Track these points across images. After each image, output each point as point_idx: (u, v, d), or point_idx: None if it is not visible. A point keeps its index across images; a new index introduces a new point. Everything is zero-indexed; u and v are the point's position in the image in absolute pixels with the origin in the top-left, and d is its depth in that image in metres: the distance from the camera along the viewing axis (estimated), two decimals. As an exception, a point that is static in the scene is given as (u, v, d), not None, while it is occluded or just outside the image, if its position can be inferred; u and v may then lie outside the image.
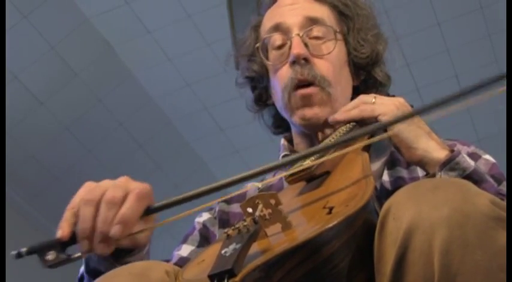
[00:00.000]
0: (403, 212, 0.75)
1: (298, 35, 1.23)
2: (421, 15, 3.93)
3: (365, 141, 0.95)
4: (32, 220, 4.34)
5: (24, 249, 0.88)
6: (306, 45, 1.23)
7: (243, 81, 1.36)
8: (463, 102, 0.86)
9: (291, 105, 1.22)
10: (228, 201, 1.26)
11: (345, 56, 1.27)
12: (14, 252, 0.88)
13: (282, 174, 1.10)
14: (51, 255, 0.88)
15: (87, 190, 0.90)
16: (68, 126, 4.22)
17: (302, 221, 0.82)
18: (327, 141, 1.12)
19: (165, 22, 3.87)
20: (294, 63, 1.21)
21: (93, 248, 0.89)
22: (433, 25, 3.98)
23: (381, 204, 0.81)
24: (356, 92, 1.26)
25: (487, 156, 1.19)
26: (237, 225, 0.76)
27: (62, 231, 0.89)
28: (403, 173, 1.20)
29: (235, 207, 1.25)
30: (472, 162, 1.06)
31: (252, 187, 1.25)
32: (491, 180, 1.06)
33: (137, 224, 0.90)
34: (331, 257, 0.75)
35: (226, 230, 0.77)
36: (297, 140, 1.30)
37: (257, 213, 0.78)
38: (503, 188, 1.08)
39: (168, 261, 1.18)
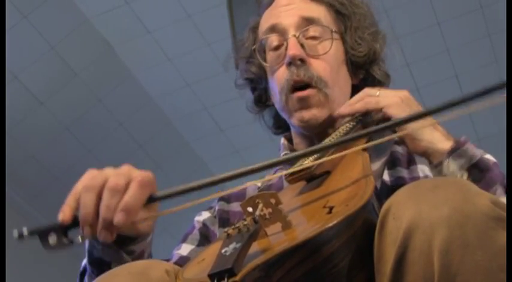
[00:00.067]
0: (403, 212, 0.75)
1: (294, 35, 1.22)
2: (421, 15, 3.93)
3: (369, 144, 0.94)
4: (32, 220, 4.34)
5: (25, 230, 0.88)
6: (302, 45, 1.22)
7: (242, 83, 1.36)
8: (463, 109, 0.86)
9: (288, 108, 1.22)
10: (228, 200, 1.26)
11: (342, 55, 1.27)
12: (16, 233, 0.87)
13: (282, 172, 1.10)
14: (52, 239, 0.88)
15: (90, 177, 0.90)
16: (68, 126, 4.22)
17: (302, 221, 0.82)
18: (328, 140, 1.12)
19: (165, 22, 3.87)
20: (290, 64, 1.21)
21: (96, 234, 0.89)
22: (433, 25, 3.98)
23: (381, 204, 0.81)
24: (355, 91, 1.26)
25: (488, 156, 1.19)
26: (237, 225, 0.76)
27: (64, 215, 0.89)
28: (404, 172, 1.20)
29: (235, 206, 1.25)
30: (479, 151, 1.06)
31: (251, 186, 1.25)
32: (497, 170, 1.06)
33: (140, 212, 0.90)
34: (331, 257, 0.75)
35: (226, 229, 0.77)
36: (296, 140, 1.30)
37: (257, 213, 0.78)
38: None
39: (168, 260, 1.18)
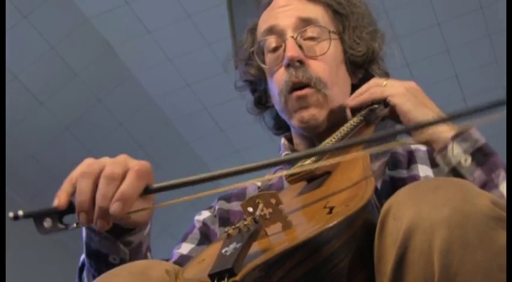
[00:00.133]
0: (403, 212, 0.75)
1: (292, 37, 1.22)
2: (421, 15, 3.93)
3: (369, 150, 0.94)
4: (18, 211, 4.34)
5: (21, 212, 0.87)
6: (300, 47, 1.22)
7: (242, 85, 1.36)
8: (463, 122, 0.87)
9: (288, 109, 1.22)
10: (228, 200, 1.27)
11: (341, 55, 1.27)
12: (11, 214, 0.87)
13: (283, 173, 1.10)
14: (47, 223, 0.88)
15: (87, 164, 0.90)
16: (68, 126, 4.22)
17: (302, 221, 0.82)
18: (331, 139, 1.12)
19: (165, 22, 3.87)
20: (288, 66, 1.21)
21: (91, 222, 0.89)
22: (433, 25, 3.98)
23: (381, 204, 0.81)
24: (355, 91, 1.26)
25: None
26: (237, 225, 0.76)
27: (59, 200, 0.89)
28: (404, 173, 1.20)
29: (235, 206, 1.25)
30: (483, 138, 1.07)
31: (251, 185, 1.25)
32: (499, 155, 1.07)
33: (136, 203, 0.90)
34: (331, 257, 0.75)
35: (226, 229, 0.77)
36: (297, 141, 1.30)
37: (257, 213, 0.78)
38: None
39: (168, 260, 1.18)
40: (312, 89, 1.20)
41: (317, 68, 1.22)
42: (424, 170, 1.18)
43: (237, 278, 0.66)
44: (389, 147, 0.99)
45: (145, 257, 1.01)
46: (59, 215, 0.89)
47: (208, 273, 0.68)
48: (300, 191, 0.98)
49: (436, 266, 0.72)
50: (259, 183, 1.27)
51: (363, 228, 0.78)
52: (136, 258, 0.98)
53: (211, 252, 0.82)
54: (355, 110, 1.24)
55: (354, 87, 1.28)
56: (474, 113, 0.75)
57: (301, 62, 1.21)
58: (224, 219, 1.25)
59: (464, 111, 0.78)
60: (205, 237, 1.23)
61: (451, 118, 0.85)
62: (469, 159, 1.05)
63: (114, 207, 0.86)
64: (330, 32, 1.25)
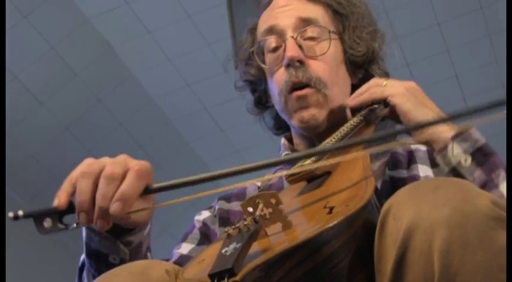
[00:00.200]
0: (403, 212, 0.75)
1: (292, 37, 1.22)
2: (421, 15, 3.93)
3: (369, 150, 0.94)
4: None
5: (21, 212, 0.87)
6: (300, 47, 1.22)
7: (242, 85, 1.36)
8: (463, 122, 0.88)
9: (288, 109, 1.22)
10: (228, 199, 1.27)
11: (341, 55, 1.27)
12: (11, 214, 0.87)
13: (283, 173, 1.10)
14: (47, 223, 0.88)
15: (87, 164, 0.90)
16: (68, 126, 4.22)
17: (302, 221, 0.82)
18: (331, 139, 1.12)
19: (165, 22, 3.88)
20: (288, 66, 1.21)
21: (91, 222, 0.89)
22: (433, 25, 3.99)
23: (381, 204, 0.81)
24: (355, 91, 1.27)
25: None
26: (237, 225, 0.76)
27: (59, 200, 0.89)
28: (404, 173, 1.20)
29: (235, 206, 1.25)
30: (483, 138, 1.07)
31: (251, 185, 1.25)
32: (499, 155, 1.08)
33: (136, 203, 0.90)
34: (331, 257, 0.75)
35: (226, 229, 0.77)
36: (296, 140, 1.30)
37: (257, 213, 0.78)
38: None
39: (167, 260, 1.18)
40: (312, 89, 1.20)
41: (317, 68, 1.21)
42: (424, 170, 1.18)
43: (237, 278, 0.66)
44: (389, 147, 0.99)
45: (145, 257, 1.01)
46: (59, 215, 0.89)
47: (208, 273, 0.68)
48: (300, 191, 0.98)
49: (436, 266, 0.72)
50: (259, 183, 1.27)
51: (363, 228, 0.78)
52: (136, 258, 0.98)
53: (211, 252, 0.82)
54: (355, 110, 1.24)
55: (354, 87, 1.28)
56: (474, 113, 0.75)
57: (301, 62, 1.21)
58: (224, 219, 1.25)
59: (464, 111, 0.78)
60: (205, 237, 1.23)
61: (451, 118, 0.85)
62: (469, 159, 1.05)
63: (114, 207, 0.86)
64: (330, 32, 1.25)
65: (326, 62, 1.23)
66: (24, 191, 4.39)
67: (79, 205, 0.88)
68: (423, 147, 1.22)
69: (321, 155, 0.98)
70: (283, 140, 1.33)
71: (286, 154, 1.28)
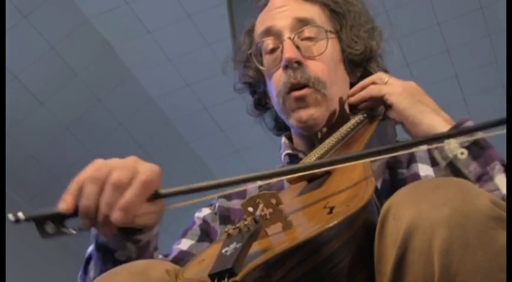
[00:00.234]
0: (403, 212, 0.75)
1: (290, 38, 1.22)
2: (421, 15, 3.93)
3: (372, 158, 0.93)
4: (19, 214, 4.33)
5: (22, 215, 0.86)
6: (297, 47, 1.22)
7: (241, 87, 1.37)
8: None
9: (286, 109, 1.23)
10: (228, 197, 1.27)
11: (339, 54, 1.27)
12: (12, 217, 0.85)
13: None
14: (49, 227, 0.87)
15: (95, 167, 0.89)
16: (68, 126, 4.22)
17: (303, 221, 0.82)
18: (334, 138, 1.12)
19: (165, 22, 3.87)
20: (286, 67, 1.21)
21: (95, 227, 0.89)
22: (433, 25, 3.98)
23: (381, 204, 0.81)
24: None
25: None
26: (237, 225, 0.76)
27: (66, 204, 0.88)
28: (404, 173, 1.20)
29: (236, 204, 1.25)
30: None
31: (252, 185, 1.25)
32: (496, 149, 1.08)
33: (144, 206, 0.90)
34: (331, 257, 0.75)
35: (227, 229, 0.77)
36: (296, 140, 1.30)
37: (258, 213, 0.78)
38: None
39: (167, 255, 1.19)
40: (311, 89, 1.20)
41: (315, 68, 1.22)
42: (424, 169, 1.18)
43: (237, 278, 0.66)
44: (391, 155, 0.99)
45: (152, 256, 1.01)
46: (61, 218, 0.88)
47: (209, 273, 0.68)
48: (300, 191, 0.98)
49: (436, 266, 0.72)
50: (260, 182, 1.27)
51: (363, 228, 0.79)
52: (143, 256, 0.99)
53: (211, 252, 0.82)
54: (354, 107, 1.24)
55: (353, 86, 1.29)
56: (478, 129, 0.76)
57: (299, 62, 1.21)
58: (224, 217, 1.25)
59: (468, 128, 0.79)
60: (206, 234, 1.23)
61: (463, 132, 0.86)
62: (466, 152, 1.06)
63: (115, 216, 0.86)
64: (326, 31, 1.25)
65: (324, 61, 1.23)
66: (24, 191, 4.39)
67: (83, 210, 0.88)
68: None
69: (325, 167, 0.97)
70: (283, 139, 1.33)
71: (287, 153, 1.28)
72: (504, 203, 0.75)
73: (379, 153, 0.89)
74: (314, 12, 1.26)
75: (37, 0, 3.60)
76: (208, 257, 0.82)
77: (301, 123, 1.21)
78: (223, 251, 0.70)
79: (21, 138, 4.13)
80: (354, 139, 1.16)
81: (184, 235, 1.24)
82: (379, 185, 1.16)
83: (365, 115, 1.22)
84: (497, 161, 1.05)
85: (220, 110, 4.32)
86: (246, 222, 0.76)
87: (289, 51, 1.20)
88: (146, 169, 0.90)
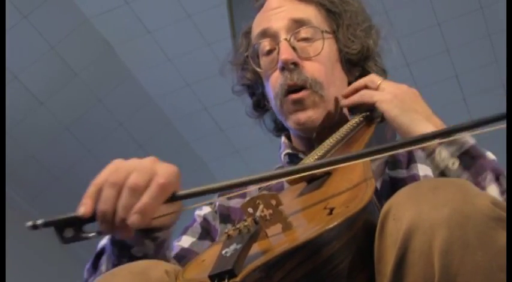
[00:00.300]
0: (403, 213, 0.75)
1: (286, 39, 1.22)
2: (421, 15, 3.93)
3: (371, 157, 0.93)
4: (32, 220, 4.34)
5: (40, 221, 0.85)
6: (294, 48, 1.22)
7: (239, 89, 1.37)
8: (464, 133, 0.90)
9: (284, 111, 1.23)
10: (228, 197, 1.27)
11: (336, 54, 1.27)
12: (29, 223, 0.85)
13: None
14: (68, 232, 0.86)
15: (114, 170, 0.89)
16: (68, 126, 4.22)
17: (303, 222, 0.82)
18: (333, 138, 1.12)
19: (165, 22, 3.87)
20: (283, 69, 1.21)
21: (112, 232, 0.89)
22: (433, 25, 3.98)
23: (381, 205, 0.81)
24: None
25: (488, 153, 1.20)
26: (237, 226, 0.76)
27: (85, 208, 0.87)
28: (403, 173, 1.20)
29: (236, 203, 1.25)
30: (471, 140, 1.07)
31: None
32: (490, 157, 1.07)
33: (162, 207, 0.90)
34: (332, 258, 0.75)
35: (226, 230, 0.77)
36: (295, 141, 1.30)
37: (258, 214, 0.78)
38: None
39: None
40: (308, 91, 1.20)
41: (312, 69, 1.21)
42: (423, 170, 1.18)
43: (238, 279, 0.66)
44: (387, 154, 0.99)
45: (164, 256, 1.01)
46: (80, 223, 0.87)
47: (209, 274, 0.68)
48: (300, 191, 0.98)
49: (436, 267, 0.72)
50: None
51: (363, 229, 0.78)
52: (159, 253, 0.99)
53: (211, 253, 0.82)
54: (353, 108, 1.24)
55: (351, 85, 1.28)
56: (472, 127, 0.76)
57: (295, 64, 1.21)
58: (224, 215, 1.25)
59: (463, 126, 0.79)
60: (206, 232, 1.23)
61: (448, 132, 0.86)
62: (457, 163, 1.06)
63: (132, 219, 0.86)
64: (323, 32, 1.24)
65: (321, 62, 1.23)
66: (24, 191, 4.39)
67: (101, 214, 0.88)
68: (423, 147, 1.22)
69: (325, 167, 0.97)
70: (283, 139, 1.33)
71: (287, 153, 1.28)
72: (504, 203, 0.75)
73: (379, 152, 0.89)
74: (310, 13, 1.26)
75: (37, 0, 3.60)
76: (208, 257, 0.82)
77: (299, 126, 1.21)
78: (223, 252, 0.70)
79: (21, 138, 4.13)
80: (354, 140, 1.16)
81: (184, 232, 1.24)
82: (378, 186, 1.16)
83: (364, 116, 1.22)
84: (488, 170, 1.05)
85: (220, 110, 4.32)
86: (246, 223, 0.76)
87: (285, 53, 1.20)
88: (164, 171, 0.89)
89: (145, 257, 0.96)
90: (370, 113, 1.23)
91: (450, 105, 4.05)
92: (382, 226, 0.77)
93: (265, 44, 1.25)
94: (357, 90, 1.22)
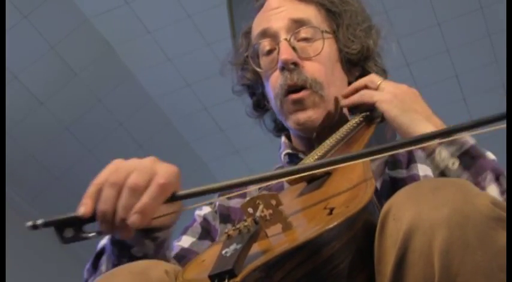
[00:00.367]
0: (403, 213, 0.75)
1: (286, 39, 1.22)
2: (421, 15, 3.93)
3: (370, 157, 0.93)
4: (32, 220, 4.33)
5: (40, 221, 0.85)
6: (294, 48, 1.22)
7: (239, 89, 1.37)
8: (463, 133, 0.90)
9: (283, 111, 1.23)
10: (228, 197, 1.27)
11: (336, 54, 1.27)
12: (29, 223, 0.85)
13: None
14: (68, 232, 0.86)
15: (114, 170, 0.89)
16: (68, 126, 4.22)
17: (303, 222, 0.82)
18: (333, 139, 1.12)
19: (165, 22, 3.87)
20: (283, 69, 1.20)
21: (112, 232, 0.89)
22: (433, 25, 3.98)
23: (381, 205, 0.81)
24: None
25: (488, 153, 1.20)
26: (237, 226, 0.76)
27: (85, 208, 0.88)
28: (403, 173, 1.20)
29: (235, 203, 1.25)
30: (471, 140, 1.07)
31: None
32: (490, 157, 1.07)
33: (162, 207, 0.90)
34: (332, 258, 0.75)
35: (226, 230, 0.77)
36: (295, 141, 1.30)
37: (258, 214, 0.78)
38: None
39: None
40: (308, 91, 1.20)
41: (312, 69, 1.21)
42: (423, 170, 1.19)
43: (238, 279, 0.66)
44: (387, 154, 0.99)
45: (164, 256, 1.01)
46: (80, 223, 0.87)
47: (209, 274, 0.68)
48: (300, 191, 0.98)
49: (437, 267, 0.72)
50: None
51: (363, 229, 0.78)
52: (159, 253, 0.99)
53: (211, 253, 0.82)
54: (353, 108, 1.24)
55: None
56: (470, 128, 0.76)
57: (295, 64, 1.21)
58: (224, 215, 1.25)
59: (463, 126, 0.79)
60: (207, 232, 1.23)
61: (449, 132, 0.87)
62: (457, 163, 1.06)
63: (132, 220, 0.86)
64: (323, 32, 1.24)
65: (321, 62, 1.23)
66: (24, 191, 4.39)
67: (101, 214, 0.88)
68: (423, 147, 1.22)
69: (325, 167, 0.97)
70: (283, 139, 1.33)
71: (287, 153, 1.28)
72: (504, 203, 0.75)
73: (379, 152, 0.89)
74: (310, 13, 1.26)
75: (37, 0, 3.60)
76: (208, 258, 0.82)
77: (299, 126, 1.21)
78: (223, 252, 0.70)
79: (21, 138, 4.13)
80: (354, 140, 1.16)
81: (184, 232, 1.24)
82: (378, 186, 1.16)
83: (364, 116, 1.22)
84: (488, 170, 1.05)
85: (220, 110, 4.32)
86: (246, 223, 0.76)
87: (285, 53, 1.20)
88: (164, 171, 0.89)
89: (145, 257, 0.96)
90: (370, 113, 1.23)
91: (450, 105, 4.05)
92: (382, 226, 0.77)
93: (265, 44, 1.25)
94: (357, 90, 1.22)
